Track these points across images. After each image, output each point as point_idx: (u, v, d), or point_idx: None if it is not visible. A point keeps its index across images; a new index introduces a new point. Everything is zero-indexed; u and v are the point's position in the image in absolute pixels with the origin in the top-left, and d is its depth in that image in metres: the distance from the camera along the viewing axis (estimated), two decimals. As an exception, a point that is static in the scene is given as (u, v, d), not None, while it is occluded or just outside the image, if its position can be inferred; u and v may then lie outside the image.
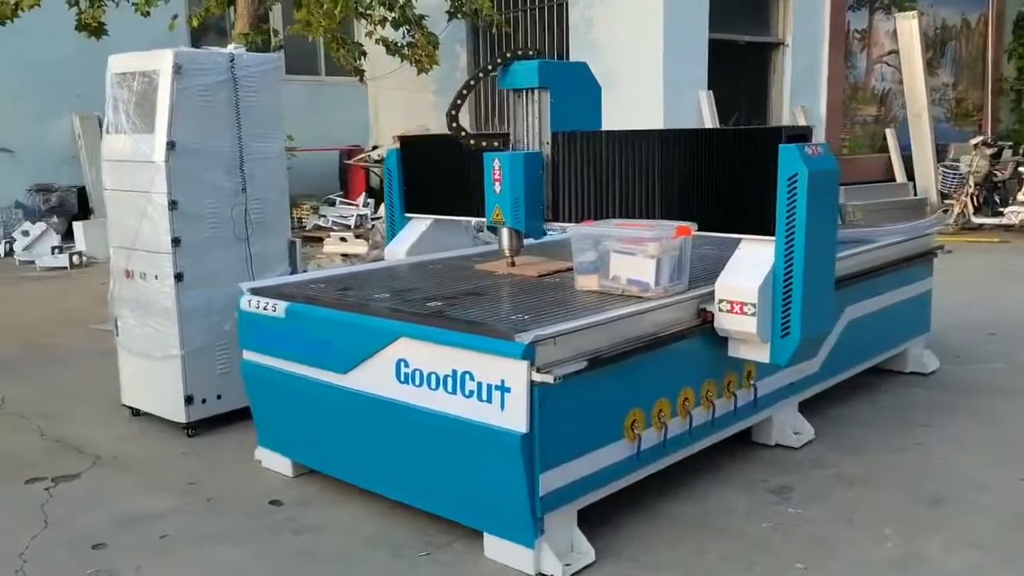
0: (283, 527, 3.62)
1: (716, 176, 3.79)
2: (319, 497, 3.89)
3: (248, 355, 4.14)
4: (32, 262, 10.73)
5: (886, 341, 5.24)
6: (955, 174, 12.65)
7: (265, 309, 3.95)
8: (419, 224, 5.07)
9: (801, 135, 3.66)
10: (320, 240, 10.55)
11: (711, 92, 11.43)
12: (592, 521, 3.45)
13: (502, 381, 3.11)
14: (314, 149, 12.84)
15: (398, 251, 4.99)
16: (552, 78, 4.31)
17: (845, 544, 3.40)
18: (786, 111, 12.68)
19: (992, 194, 12.33)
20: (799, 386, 4.46)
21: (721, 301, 3.69)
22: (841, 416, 4.78)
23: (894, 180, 14.27)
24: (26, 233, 11.32)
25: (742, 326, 3.63)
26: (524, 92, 4.36)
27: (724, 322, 3.69)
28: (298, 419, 4.00)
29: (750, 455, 4.25)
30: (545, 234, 4.39)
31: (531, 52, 4.38)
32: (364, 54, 11.29)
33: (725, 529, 3.53)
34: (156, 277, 4.62)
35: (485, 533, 3.32)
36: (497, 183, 4.30)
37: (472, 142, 4.38)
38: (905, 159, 14.21)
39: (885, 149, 14.45)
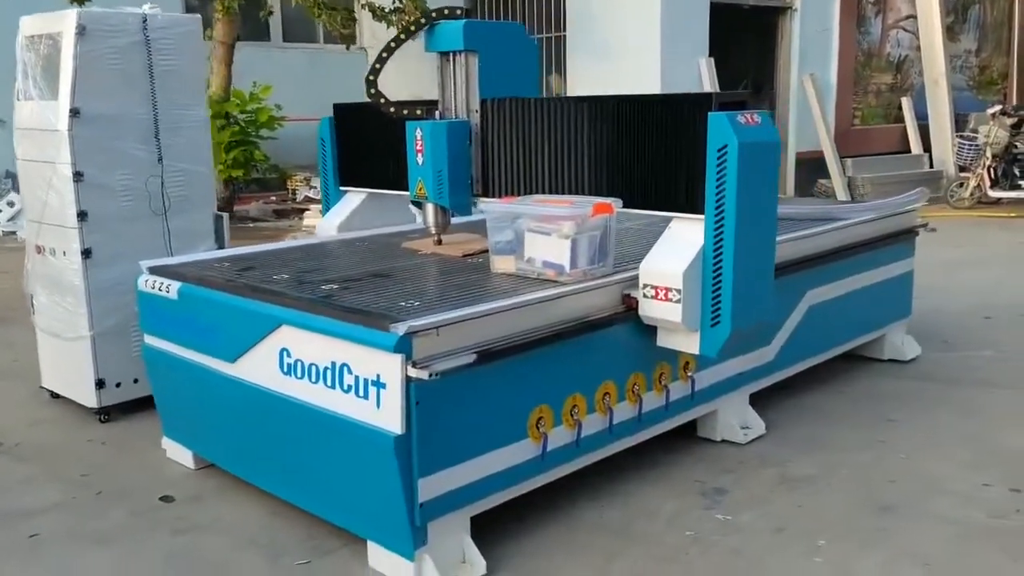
0: (165, 526, 3.35)
1: (646, 148, 3.42)
2: (214, 493, 3.61)
3: (148, 339, 3.86)
4: (14, 232, 10.55)
5: (857, 327, 4.85)
6: (972, 145, 12.05)
7: (160, 290, 3.66)
8: (354, 198, 4.74)
9: (737, 102, 3.28)
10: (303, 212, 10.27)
11: (712, 60, 10.93)
12: (496, 528, 3.15)
13: (377, 376, 2.79)
14: (310, 119, 12.51)
15: (329, 226, 4.67)
16: (481, 40, 3.93)
17: (768, 559, 3.06)
18: (794, 79, 12.14)
19: (1012, 167, 11.74)
20: (749, 377, 4.10)
21: (645, 286, 3.33)
22: (801, 408, 4.42)
23: (909, 151, 13.72)
24: (11, 204, 11.14)
25: (667, 313, 3.28)
26: (451, 55, 4.00)
27: (648, 309, 3.34)
28: (194, 409, 3.72)
29: (692, 452, 3.91)
30: (471, 211, 4.04)
31: (459, 11, 4.01)
32: (353, 20, 10.92)
33: (642, 537, 3.21)
34: (64, 253, 4.34)
35: (368, 541, 3.02)
36: (419, 154, 3.96)
37: (393, 110, 4.03)
38: (922, 129, 13.63)
39: (901, 119, 13.88)
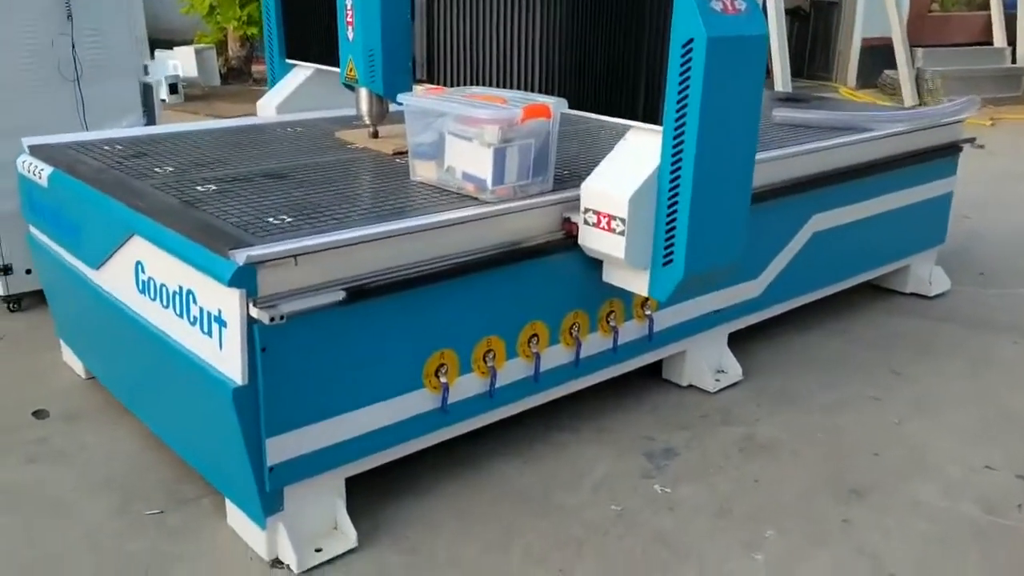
0: (19, 451, 2.94)
1: (605, 39, 2.73)
2: (94, 412, 3.19)
3: (31, 227, 3.37)
4: None
5: (874, 257, 4.16)
6: (1060, 40, 10.76)
7: (33, 174, 3.14)
8: (300, 73, 4.10)
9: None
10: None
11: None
12: (382, 490, 2.68)
13: (219, 312, 2.26)
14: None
15: (268, 105, 4.06)
16: None
17: (698, 550, 2.54)
18: (866, -46, 10.87)
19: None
20: (728, 314, 3.49)
21: (587, 211, 2.71)
22: (790, 351, 3.81)
23: (991, 44, 12.37)
24: None
25: (608, 246, 2.67)
26: (393, -96, 3.27)
27: (588, 239, 2.73)
28: (74, 314, 3.26)
29: (648, 399, 3.36)
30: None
31: None
32: None
33: (557, 509, 2.71)
34: (-42, 121, 3.83)
35: (226, 498, 2.58)
36: (349, 27, 3.31)
37: (323, -30, 3.36)
38: (1008, 20, 12.23)
39: (986, 6, 12.46)
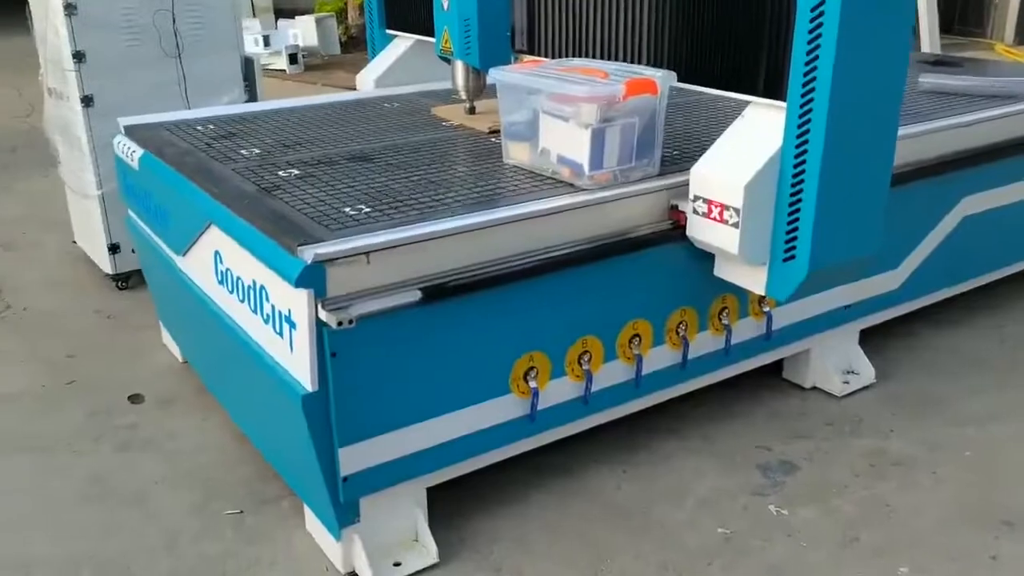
0: (111, 438, 2.90)
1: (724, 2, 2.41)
2: (186, 399, 3.13)
3: (129, 210, 3.33)
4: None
5: (1034, 243, 3.67)
6: None
7: (127, 156, 3.08)
8: (400, 44, 3.92)
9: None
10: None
11: None
12: (468, 500, 2.50)
13: (289, 312, 2.10)
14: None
15: (367, 79, 3.91)
16: None
17: (819, 590, 2.25)
18: None
19: None
20: (860, 310, 3.12)
21: (696, 198, 2.41)
22: (932, 351, 3.39)
23: None
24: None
25: (719, 239, 2.36)
26: None
27: (697, 230, 2.43)
28: (168, 298, 3.21)
29: (764, 402, 3.05)
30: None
31: None
32: None
33: (658, 528, 2.45)
34: (68, 98, 3.83)
35: (305, 503, 2.45)
36: (444, -5, 3.09)
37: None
38: None
39: None
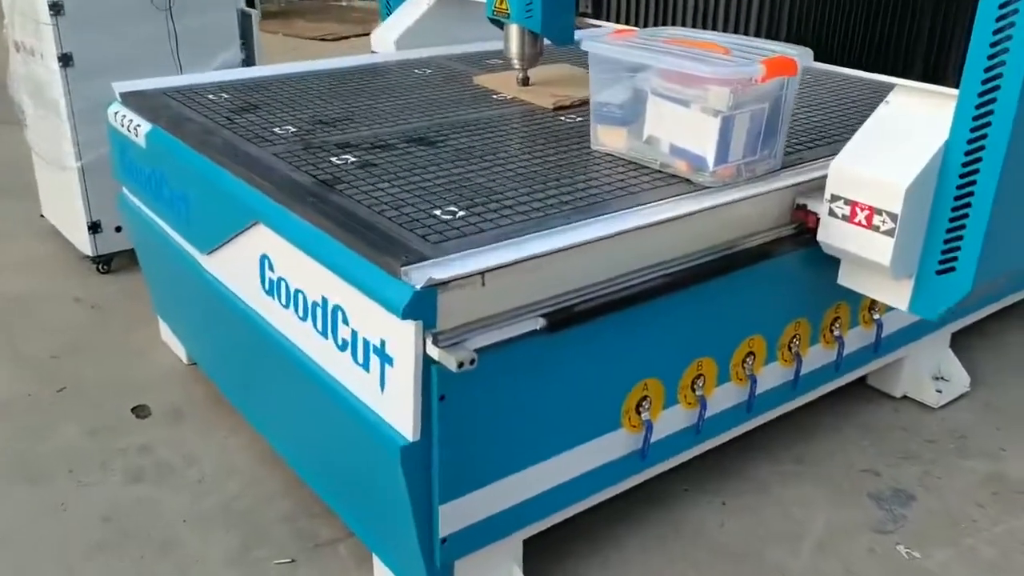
0: (120, 464, 2.48)
1: (868, -38, 2.05)
2: (200, 407, 2.72)
3: (124, 189, 2.86)
4: None
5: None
6: None
7: (128, 130, 2.60)
8: (421, 1, 3.47)
9: None
10: None
11: None
12: (566, 545, 2.15)
13: (382, 343, 1.71)
14: None
15: (386, 39, 3.45)
16: None
17: (980, 653, 1.98)
18: None
19: None
20: (957, 311, 2.83)
21: (835, 198, 2.07)
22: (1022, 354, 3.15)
23: None
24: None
25: (866, 248, 2.03)
26: None
27: (834, 235, 2.09)
28: (176, 295, 2.77)
29: (853, 415, 2.76)
30: (574, 40, 2.74)
31: None
32: None
33: (774, 569, 2.15)
34: (42, 56, 3.30)
35: (373, 554, 2.07)
36: (503, -53, 2.66)
37: None
38: None
39: None
